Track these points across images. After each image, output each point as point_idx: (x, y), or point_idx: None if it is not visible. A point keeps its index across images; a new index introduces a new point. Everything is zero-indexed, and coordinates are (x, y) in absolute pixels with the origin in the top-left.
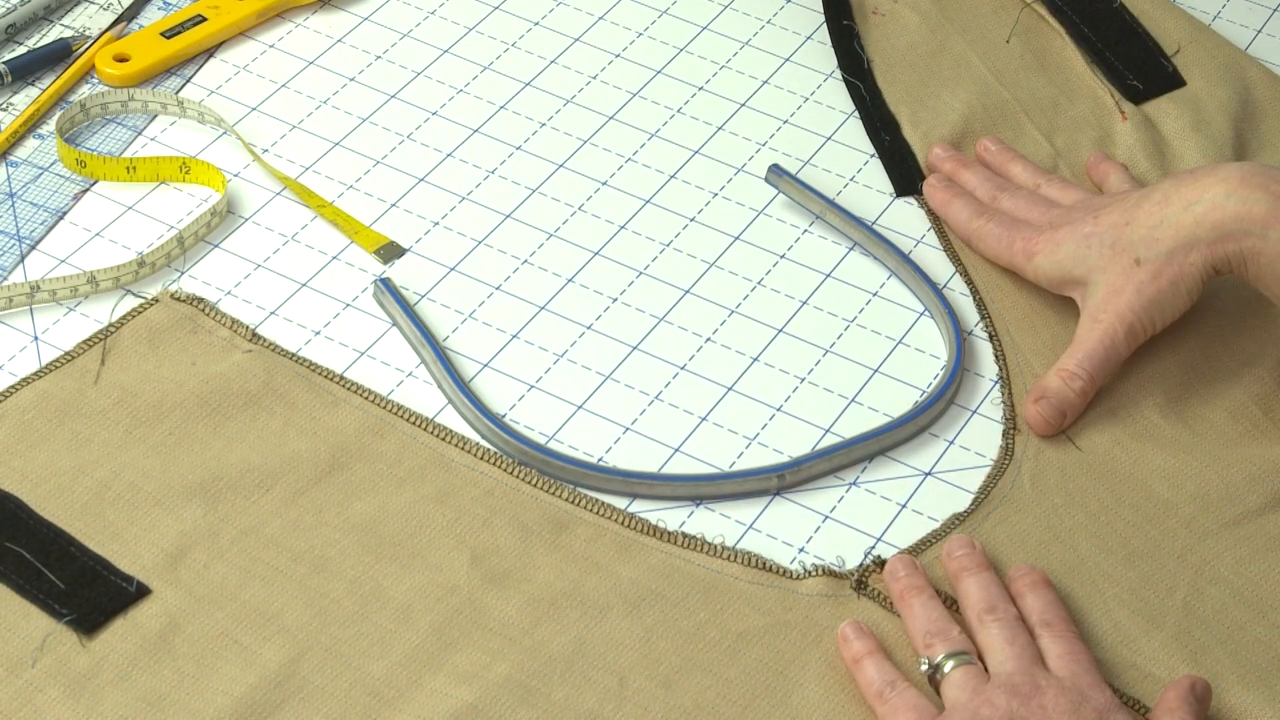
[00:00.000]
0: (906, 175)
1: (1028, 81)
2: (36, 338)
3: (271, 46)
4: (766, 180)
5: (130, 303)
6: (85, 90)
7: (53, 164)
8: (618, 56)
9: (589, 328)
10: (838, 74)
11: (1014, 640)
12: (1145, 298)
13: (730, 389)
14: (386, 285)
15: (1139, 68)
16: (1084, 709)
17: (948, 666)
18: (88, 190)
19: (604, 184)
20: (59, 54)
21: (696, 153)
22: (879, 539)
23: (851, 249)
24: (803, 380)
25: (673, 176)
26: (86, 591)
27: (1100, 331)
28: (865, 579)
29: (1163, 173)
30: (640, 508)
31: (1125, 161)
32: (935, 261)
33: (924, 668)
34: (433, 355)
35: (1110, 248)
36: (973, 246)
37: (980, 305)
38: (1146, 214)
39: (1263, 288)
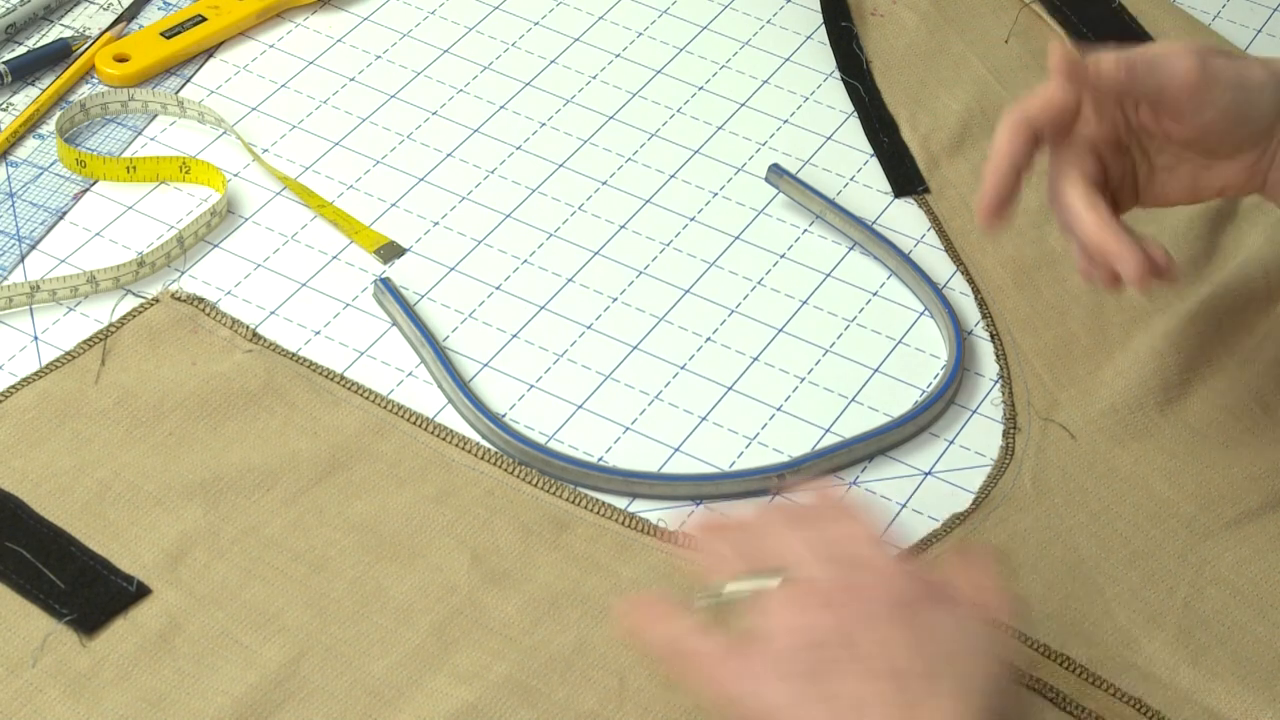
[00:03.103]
0: (905, 176)
1: (1027, 81)
2: (36, 338)
3: (271, 46)
4: (766, 180)
5: (130, 303)
6: (85, 90)
7: (53, 164)
8: (618, 56)
9: (589, 328)
10: (837, 74)
11: (806, 541)
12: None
13: (730, 389)
14: (386, 285)
15: None
16: (899, 610)
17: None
18: (88, 190)
19: (604, 184)
20: (59, 54)
21: (696, 153)
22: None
23: (851, 249)
24: (803, 380)
25: (673, 176)
26: (87, 591)
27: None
28: None
29: None
30: (640, 507)
31: None
32: (935, 261)
33: (701, 603)
34: (433, 355)
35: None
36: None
37: (981, 305)
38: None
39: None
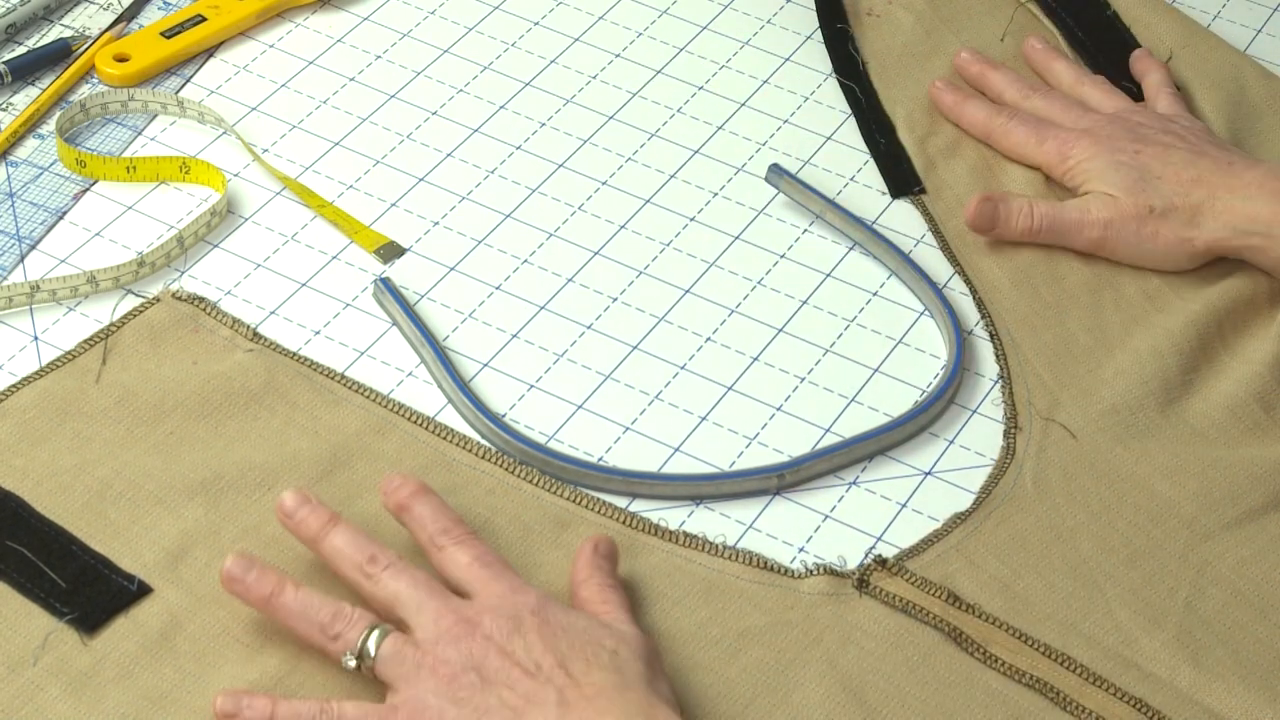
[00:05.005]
0: (902, 177)
1: None
2: (36, 338)
3: (271, 46)
4: (767, 180)
5: (131, 302)
6: (85, 90)
7: (53, 164)
8: (618, 56)
9: (589, 328)
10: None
11: (414, 581)
12: (1140, 244)
13: (730, 389)
14: (386, 285)
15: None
16: (524, 620)
17: (373, 645)
18: (88, 190)
19: (604, 184)
20: (59, 54)
21: (696, 153)
22: (879, 539)
23: (851, 249)
24: (803, 380)
25: (673, 176)
26: (88, 590)
27: (1078, 210)
28: (867, 578)
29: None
30: (640, 507)
31: None
32: (935, 261)
33: (350, 663)
34: (433, 355)
35: (1136, 181)
36: (995, 144)
37: (980, 305)
38: (1178, 179)
39: (1267, 269)
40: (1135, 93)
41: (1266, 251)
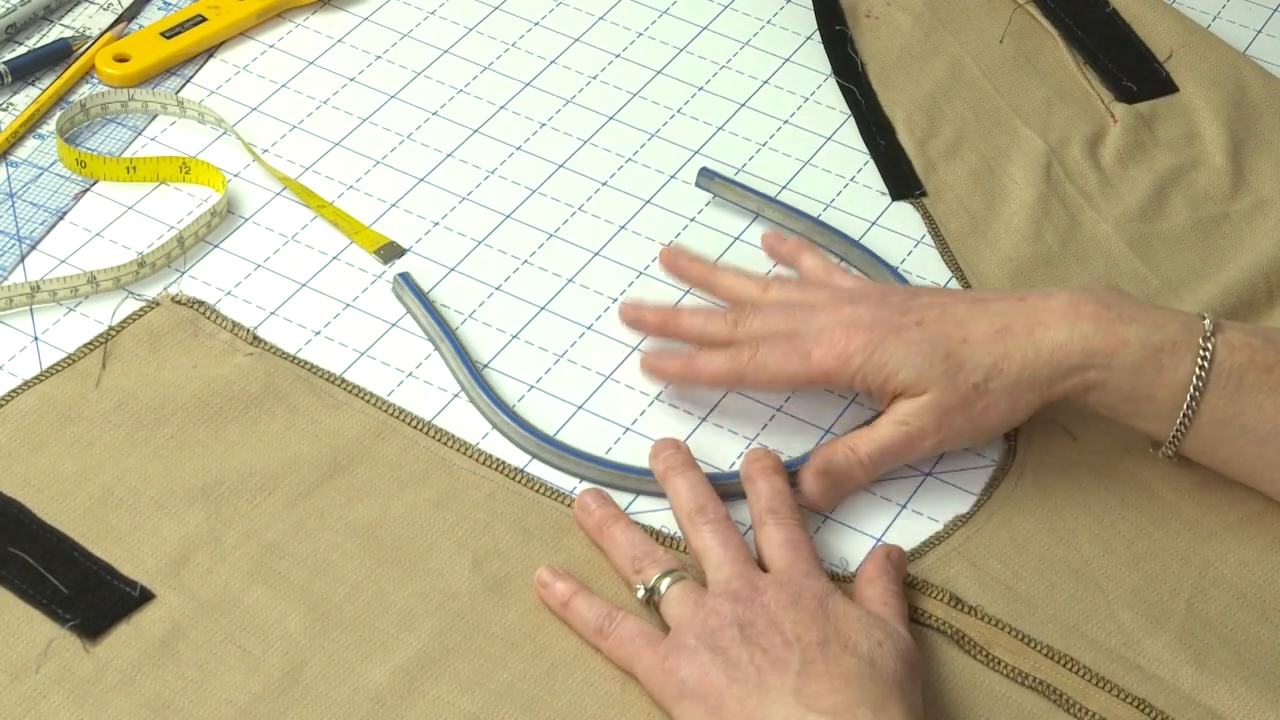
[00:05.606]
0: (902, 179)
1: (1020, 82)
2: (36, 338)
3: (271, 46)
4: (697, 185)
5: (131, 305)
6: (85, 90)
7: (53, 164)
8: (618, 56)
9: (589, 328)
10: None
11: (727, 543)
12: (975, 426)
13: (730, 390)
14: (406, 280)
15: (1132, 71)
16: (804, 600)
17: (664, 586)
18: (88, 190)
19: (604, 184)
20: (59, 54)
21: (696, 153)
22: (879, 539)
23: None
24: None
25: (673, 177)
26: (90, 596)
27: (906, 435)
28: None
29: (1152, 178)
30: (644, 506)
31: (1114, 166)
32: (935, 263)
33: (640, 594)
34: (452, 350)
35: (945, 360)
36: (750, 385)
37: None
38: (984, 336)
39: (1104, 410)
40: (1136, 92)
41: (1106, 385)
